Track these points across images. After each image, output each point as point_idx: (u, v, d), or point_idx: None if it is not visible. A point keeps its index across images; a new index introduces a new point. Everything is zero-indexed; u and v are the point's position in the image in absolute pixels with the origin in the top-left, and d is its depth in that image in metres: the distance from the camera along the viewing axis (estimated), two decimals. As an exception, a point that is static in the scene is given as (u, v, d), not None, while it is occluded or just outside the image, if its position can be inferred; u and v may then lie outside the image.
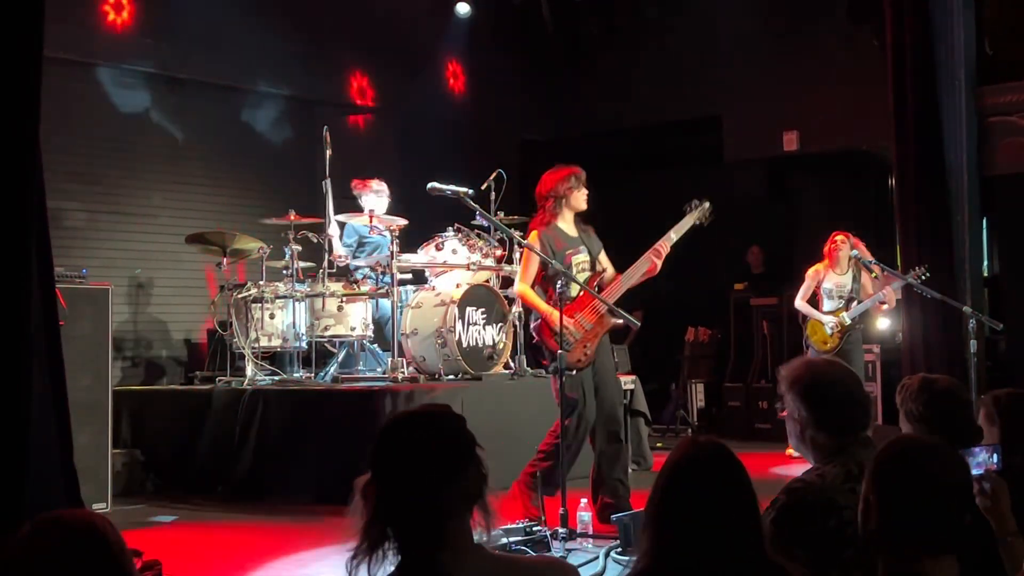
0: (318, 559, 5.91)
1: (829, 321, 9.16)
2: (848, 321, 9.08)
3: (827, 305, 9.24)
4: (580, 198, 6.83)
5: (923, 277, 8.49)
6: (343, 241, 9.26)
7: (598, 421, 6.43)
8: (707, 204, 6.76)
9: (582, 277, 6.47)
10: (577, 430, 6.31)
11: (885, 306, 9.20)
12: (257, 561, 5.85)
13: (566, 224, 6.69)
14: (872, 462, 2.62)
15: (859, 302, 9.08)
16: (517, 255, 8.92)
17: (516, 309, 8.79)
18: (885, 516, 2.51)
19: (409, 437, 2.34)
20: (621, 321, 6.50)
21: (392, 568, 2.30)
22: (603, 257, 6.80)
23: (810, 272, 9.39)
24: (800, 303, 9.41)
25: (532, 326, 6.56)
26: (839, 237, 9.18)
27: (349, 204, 9.54)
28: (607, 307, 6.35)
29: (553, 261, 6.25)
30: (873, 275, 8.90)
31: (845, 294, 9.16)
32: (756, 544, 2.42)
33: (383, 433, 2.37)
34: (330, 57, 11.66)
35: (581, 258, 6.58)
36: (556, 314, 6.14)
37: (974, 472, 3.04)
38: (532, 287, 6.46)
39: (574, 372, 6.24)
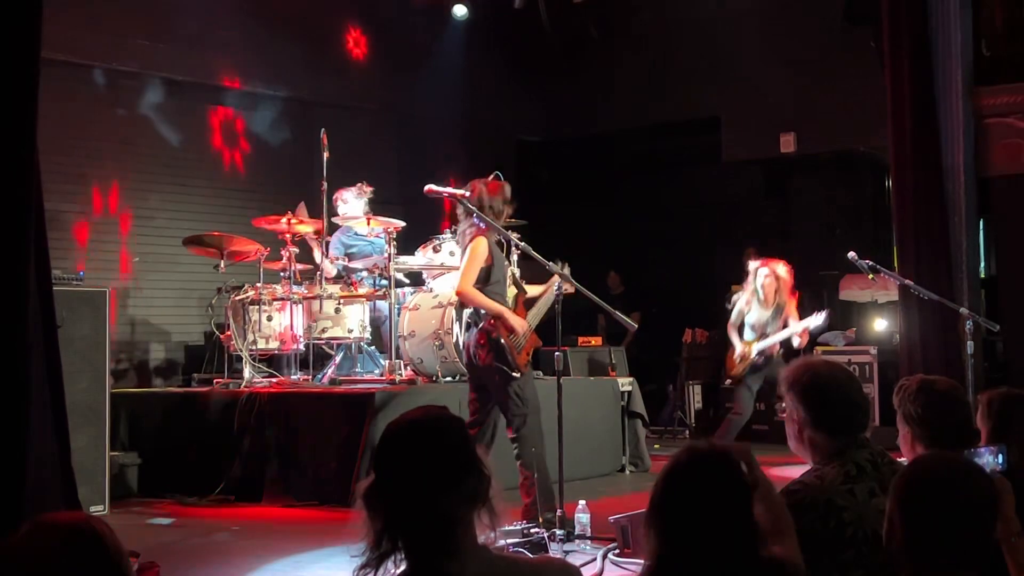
0: (315, 560, 5.90)
1: (738, 347, 8.92)
2: (753, 354, 8.82)
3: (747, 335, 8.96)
4: (506, 214, 6.63)
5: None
6: (333, 245, 9.29)
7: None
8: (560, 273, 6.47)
9: (514, 289, 6.50)
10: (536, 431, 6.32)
11: (796, 342, 8.83)
12: (254, 563, 5.84)
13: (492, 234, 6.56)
14: (897, 480, 2.61)
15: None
16: (515, 256, 8.91)
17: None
18: (910, 534, 2.50)
19: (412, 444, 2.33)
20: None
21: (397, 573, 2.29)
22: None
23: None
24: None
25: (471, 332, 6.44)
26: (768, 270, 8.90)
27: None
28: (608, 308, 6.33)
29: (551, 264, 6.22)
30: (871, 277, 8.79)
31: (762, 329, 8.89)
32: (753, 547, 2.42)
33: (385, 440, 2.36)
34: (327, 58, 11.66)
35: (511, 270, 6.70)
36: (512, 314, 6.25)
37: None
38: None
39: (518, 375, 6.24)
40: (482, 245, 6.31)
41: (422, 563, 2.27)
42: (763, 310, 8.88)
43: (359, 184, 9.41)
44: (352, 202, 9.33)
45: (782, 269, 8.88)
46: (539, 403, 6.34)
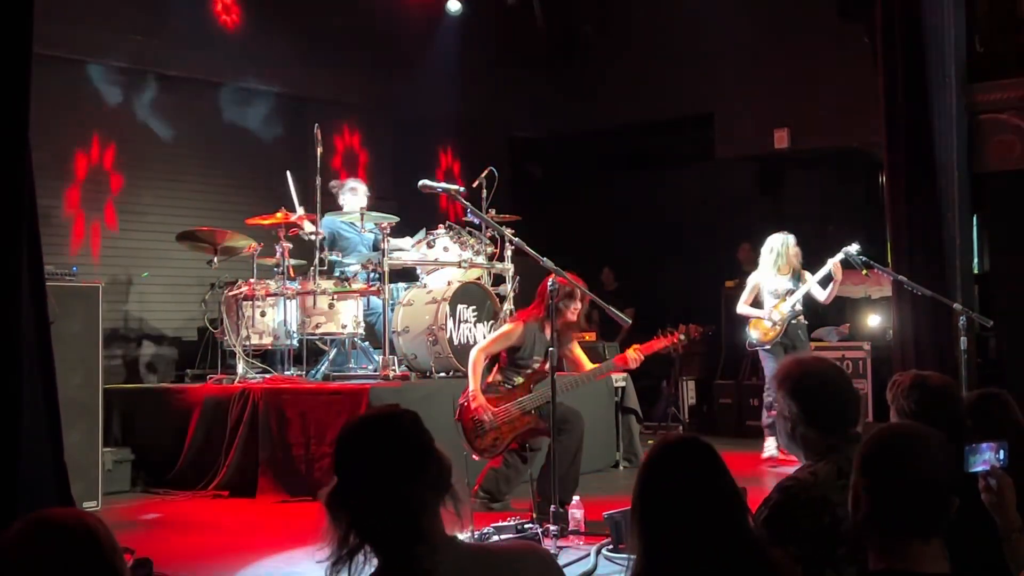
0: (309, 556, 5.88)
1: (766, 313, 9.20)
2: (787, 311, 9.09)
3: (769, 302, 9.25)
4: (570, 314, 6.79)
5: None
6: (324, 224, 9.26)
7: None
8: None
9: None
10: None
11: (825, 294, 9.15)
12: (248, 559, 5.84)
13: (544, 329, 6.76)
14: (860, 450, 2.64)
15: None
16: (508, 252, 8.91)
17: (507, 307, 8.78)
18: (874, 503, 2.54)
19: (366, 441, 2.37)
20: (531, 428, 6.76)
21: (371, 570, 2.31)
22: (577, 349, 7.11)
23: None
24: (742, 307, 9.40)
25: (460, 401, 6.82)
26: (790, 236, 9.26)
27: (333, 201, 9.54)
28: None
29: (545, 260, 6.19)
30: (864, 272, 8.82)
31: (782, 294, 9.19)
32: (741, 528, 2.45)
33: (340, 441, 2.39)
34: (321, 54, 11.64)
35: (537, 361, 6.85)
36: (481, 400, 6.61)
37: (980, 469, 3.05)
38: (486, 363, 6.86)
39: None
40: (517, 331, 6.81)
41: (393, 556, 2.30)
42: (781, 276, 9.19)
43: (356, 179, 9.39)
44: (361, 194, 9.31)
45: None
46: None
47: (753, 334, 9.27)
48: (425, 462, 2.34)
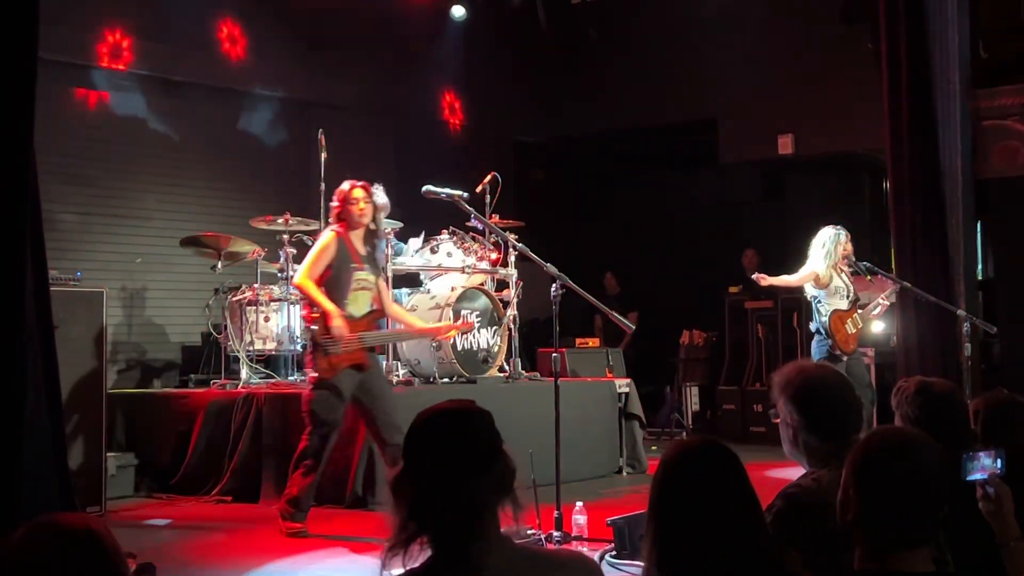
0: (313, 561, 5.90)
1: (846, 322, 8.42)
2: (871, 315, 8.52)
3: (841, 305, 8.44)
4: (361, 216, 6.57)
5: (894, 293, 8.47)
6: None
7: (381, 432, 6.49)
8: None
9: (363, 295, 6.54)
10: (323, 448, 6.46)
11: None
12: (251, 564, 5.83)
13: (356, 238, 6.60)
14: (853, 452, 2.63)
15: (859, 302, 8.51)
16: (512, 258, 8.92)
17: (511, 312, 8.78)
18: (864, 507, 2.53)
19: (439, 432, 2.38)
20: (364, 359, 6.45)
21: (423, 559, 2.33)
22: (381, 283, 6.80)
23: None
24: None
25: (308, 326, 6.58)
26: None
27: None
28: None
29: (548, 265, 6.21)
30: (869, 279, 8.74)
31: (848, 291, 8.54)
32: (760, 537, 2.45)
33: (413, 430, 2.41)
34: (325, 59, 11.66)
35: (362, 275, 6.56)
36: (335, 313, 6.28)
37: (978, 477, 3.04)
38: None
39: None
40: (331, 241, 6.47)
41: (448, 547, 2.32)
42: (841, 275, 8.49)
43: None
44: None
45: None
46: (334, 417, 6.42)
47: (826, 342, 8.32)
48: (493, 461, 2.36)
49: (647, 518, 2.50)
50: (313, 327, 6.40)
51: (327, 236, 6.52)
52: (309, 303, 6.48)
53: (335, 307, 6.32)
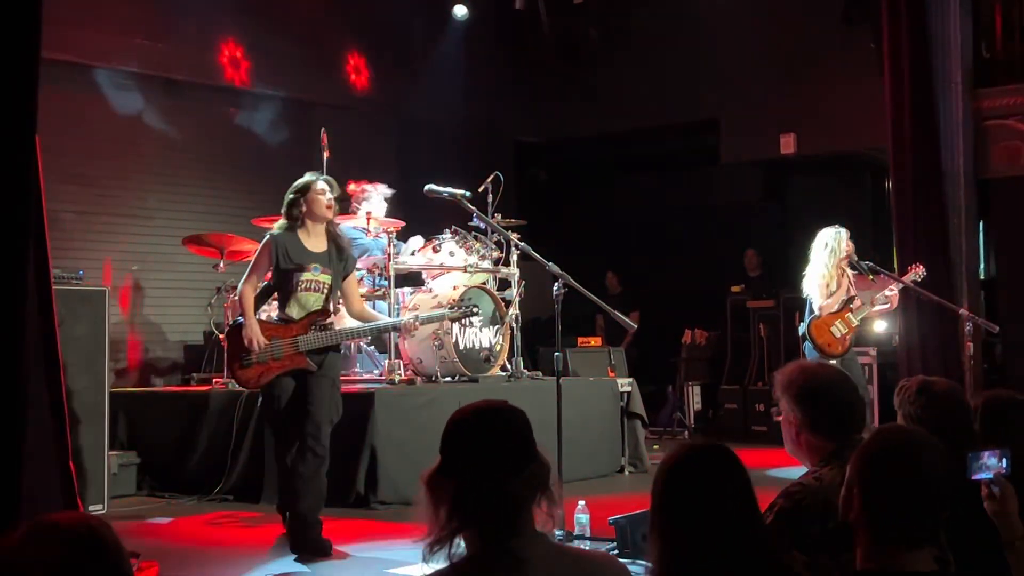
0: (315, 560, 5.90)
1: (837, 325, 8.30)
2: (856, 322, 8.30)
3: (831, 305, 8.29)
4: (325, 212, 6.18)
5: (919, 277, 8.26)
6: None
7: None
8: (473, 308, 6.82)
9: (310, 296, 6.12)
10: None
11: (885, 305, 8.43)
12: (253, 563, 5.84)
13: (307, 235, 6.18)
14: (857, 451, 2.63)
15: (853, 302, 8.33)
16: (514, 257, 8.91)
17: (513, 311, 8.78)
18: (867, 505, 2.53)
19: (480, 429, 2.43)
20: (308, 365, 6.07)
21: (459, 553, 2.37)
22: (348, 283, 6.34)
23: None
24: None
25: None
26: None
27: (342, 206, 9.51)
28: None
29: (550, 264, 6.20)
30: (871, 278, 8.68)
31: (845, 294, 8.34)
32: (761, 538, 2.46)
33: (453, 427, 2.45)
34: (327, 58, 11.66)
35: (307, 276, 6.12)
36: (256, 332, 5.99)
37: (983, 476, 3.04)
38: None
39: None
40: (265, 245, 6.12)
41: (491, 542, 2.35)
42: (843, 275, 8.30)
43: (384, 185, 9.26)
44: (375, 200, 9.20)
45: None
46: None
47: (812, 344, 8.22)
48: (530, 458, 2.41)
49: (650, 521, 2.50)
50: (229, 341, 6.21)
51: (263, 241, 6.21)
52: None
53: (253, 317, 6.07)
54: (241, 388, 7.09)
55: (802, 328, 8.30)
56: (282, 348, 6.05)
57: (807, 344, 8.25)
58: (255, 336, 6.00)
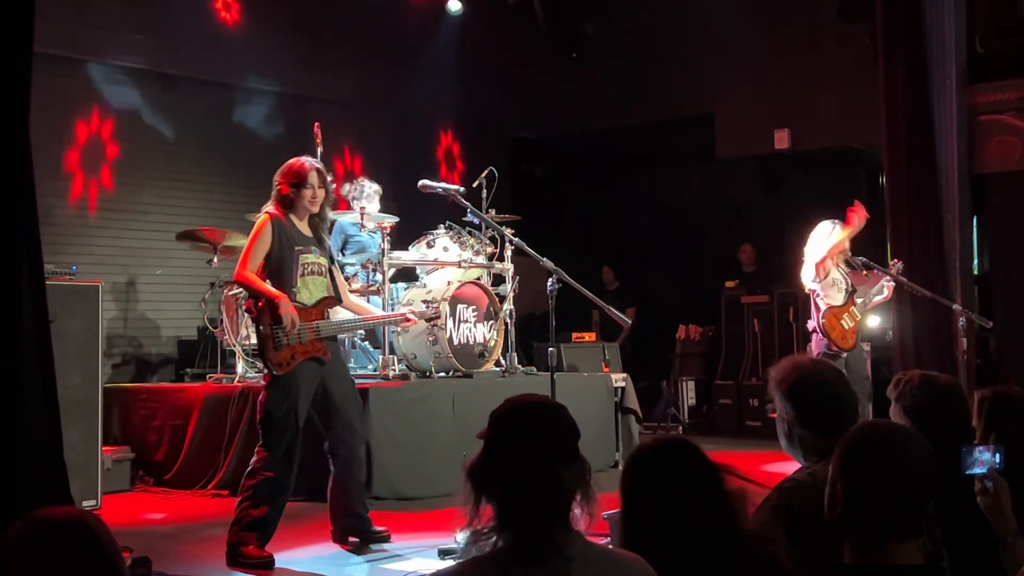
0: (308, 555, 5.90)
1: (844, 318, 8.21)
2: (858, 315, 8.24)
3: (837, 298, 8.24)
4: (312, 203, 5.97)
5: (899, 270, 8.33)
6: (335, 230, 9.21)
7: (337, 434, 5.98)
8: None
9: (314, 280, 5.92)
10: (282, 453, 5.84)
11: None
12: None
13: (299, 220, 5.98)
14: (839, 447, 2.63)
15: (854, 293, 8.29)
16: (508, 252, 8.91)
17: (507, 307, 8.78)
18: (851, 501, 2.53)
19: (530, 422, 2.44)
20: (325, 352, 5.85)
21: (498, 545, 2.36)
22: (336, 271, 6.20)
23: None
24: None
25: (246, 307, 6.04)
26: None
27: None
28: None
29: (545, 260, 6.18)
30: (864, 273, 8.70)
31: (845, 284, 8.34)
32: (730, 528, 2.46)
33: (501, 419, 2.45)
34: (322, 53, 11.64)
35: (311, 258, 5.94)
36: (284, 299, 5.69)
37: (976, 471, 3.04)
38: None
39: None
40: (266, 228, 5.80)
41: (536, 534, 2.35)
42: (839, 267, 8.30)
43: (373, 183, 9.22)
44: (368, 194, 9.16)
45: None
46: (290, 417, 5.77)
47: (824, 341, 8.07)
48: (575, 454, 2.44)
49: (619, 518, 2.54)
50: (259, 322, 5.75)
51: (260, 220, 5.88)
52: (252, 296, 5.80)
53: (283, 294, 5.72)
54: (249, 384, 7.07)
55: (811, 323, 8.30)
56: (306, 332, 5.80)
57: (816, 338, 8.23)
58: (292, 314, 5.67)
